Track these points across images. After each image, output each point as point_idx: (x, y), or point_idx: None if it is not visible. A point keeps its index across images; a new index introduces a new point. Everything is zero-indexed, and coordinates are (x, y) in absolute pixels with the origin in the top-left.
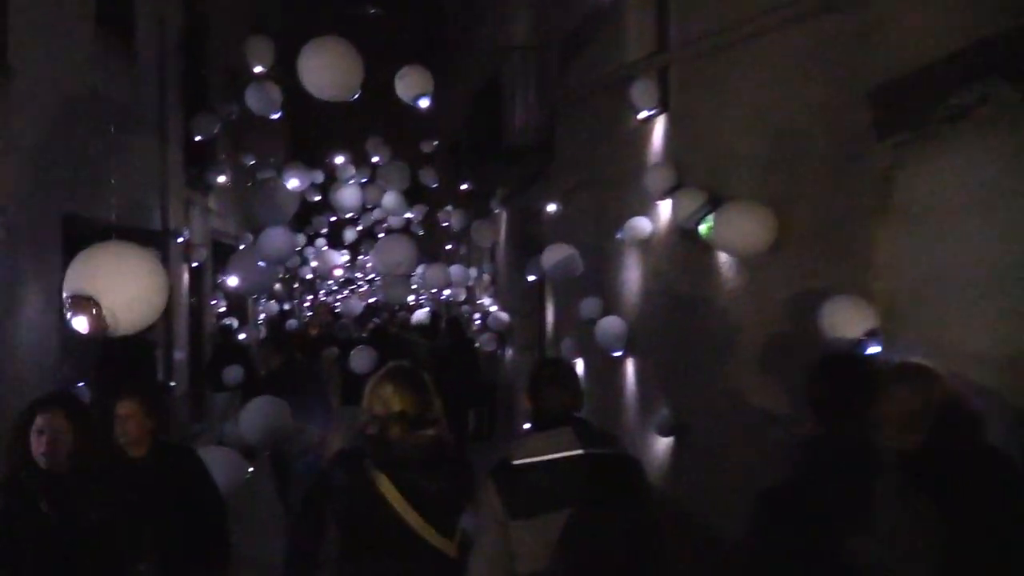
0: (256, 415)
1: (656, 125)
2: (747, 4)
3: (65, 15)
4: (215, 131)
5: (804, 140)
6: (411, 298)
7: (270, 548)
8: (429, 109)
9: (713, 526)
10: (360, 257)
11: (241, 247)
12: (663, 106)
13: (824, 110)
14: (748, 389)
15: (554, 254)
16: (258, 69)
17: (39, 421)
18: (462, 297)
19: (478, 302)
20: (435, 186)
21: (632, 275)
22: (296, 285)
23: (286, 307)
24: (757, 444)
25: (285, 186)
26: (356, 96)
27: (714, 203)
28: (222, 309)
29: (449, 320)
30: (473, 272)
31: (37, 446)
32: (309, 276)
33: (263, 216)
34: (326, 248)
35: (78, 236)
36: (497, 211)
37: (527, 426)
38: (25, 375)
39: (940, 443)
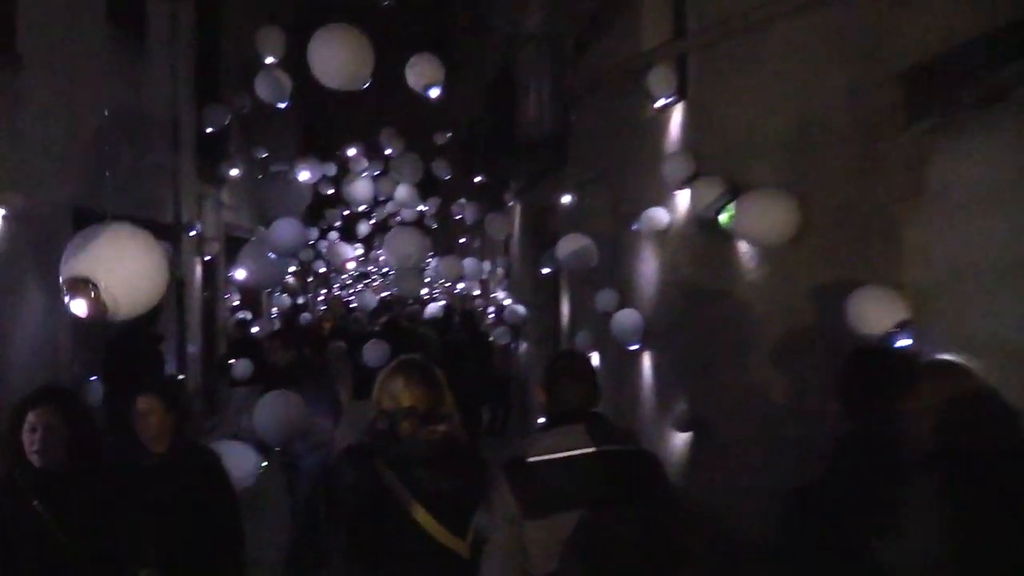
0: (270, 410)
1: (673, 113)
2: None
3: (75, 7)
4: (226, 123)
5: (828, 125)
6: (425, 292)
7: (277, 545)
8: (442, 100)
9: (732, 524)
10: (374, 251)
11: (252, 240)
12: (680, 94)
13: (849, 94)
14: (769, 383)
15: (569, 245)
16: (269, 60)
17: (31, 418)
18: (476, 291)
19: (492, 295)
20: (448, 179)
21: (648, 267)
22: (310, 279)
23: (300, 301)
24: (779, 440)
25: (297, 179)
26: (367, 85)
27: (733, 192)
28: (236, 303)
29: (463, 314)
30: (487, 265)
31: (29, 444)
32: (323, 270)
33: (274, 208)
34: (338, 241)
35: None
36: (511, 204)
37: (541, 420)
38: (37, 370)
39: (974, 441)
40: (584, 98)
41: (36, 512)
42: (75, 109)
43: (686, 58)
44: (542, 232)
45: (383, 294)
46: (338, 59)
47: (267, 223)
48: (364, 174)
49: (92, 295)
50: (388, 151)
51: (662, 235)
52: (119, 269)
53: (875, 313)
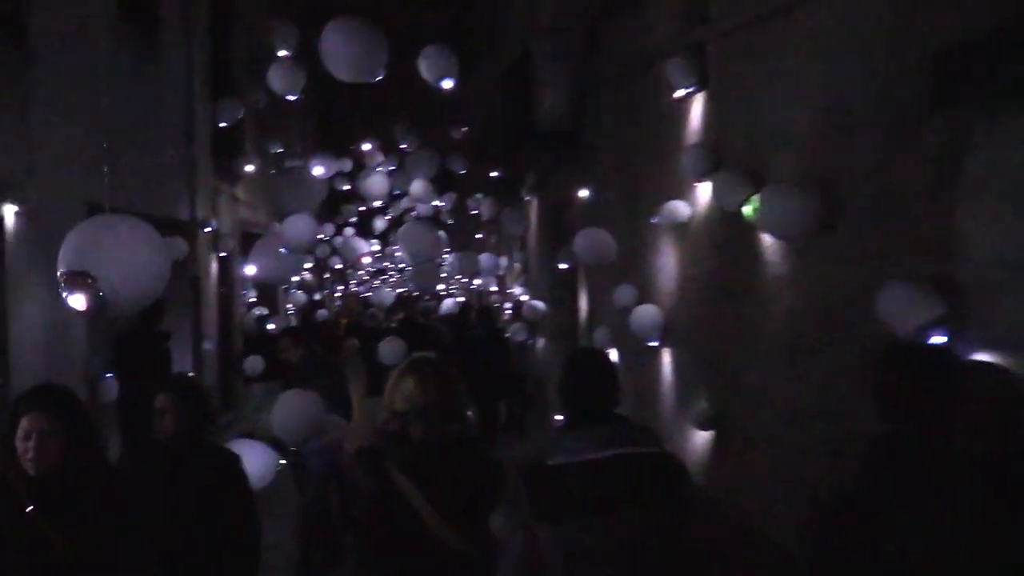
0: (287, 409)
1: (693, 104)
2: None
3: (86, 3)
4: (239, 117)
5: (857, 113)
6: (442, 287)
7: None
8: (457, 93)
9: (756, 524)
10: (390, 246)
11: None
12: (701, 83)
13: (878, 81)
14: (795, 381)
15: (586, 239)
16: (282, 53)
17: (24, 424)
18: (493, 286)
19: (509, 291)
20: (464, 173)
21: (668, 261)
22: (327, 275)
23: (316, 297)
24: (806, 439)
25: (311, 174)
26: (380, 78)
27: (757, 183)
28: (252, 299)
29: (480, 309)
30: (504, 261)
31: (23, 451)
32: (339, 266)
33: (288, 204)
34: (353, 237)
35: None
36: (527, 198)
37: (559, 417)
38: (51, 366)
39: (1018, 445)
40: (601, 89)
41: (31, 518)
42: (88, 105)
43: (706, 47)
44: (559, 226)
45: (400, 290)
46: (350, 51)
47: (282, 219)
48: (379, 169)
49: (90, 288)
50: (403, 146)
51: (682, 229)
52: (117, 261)
53: (908, 309)
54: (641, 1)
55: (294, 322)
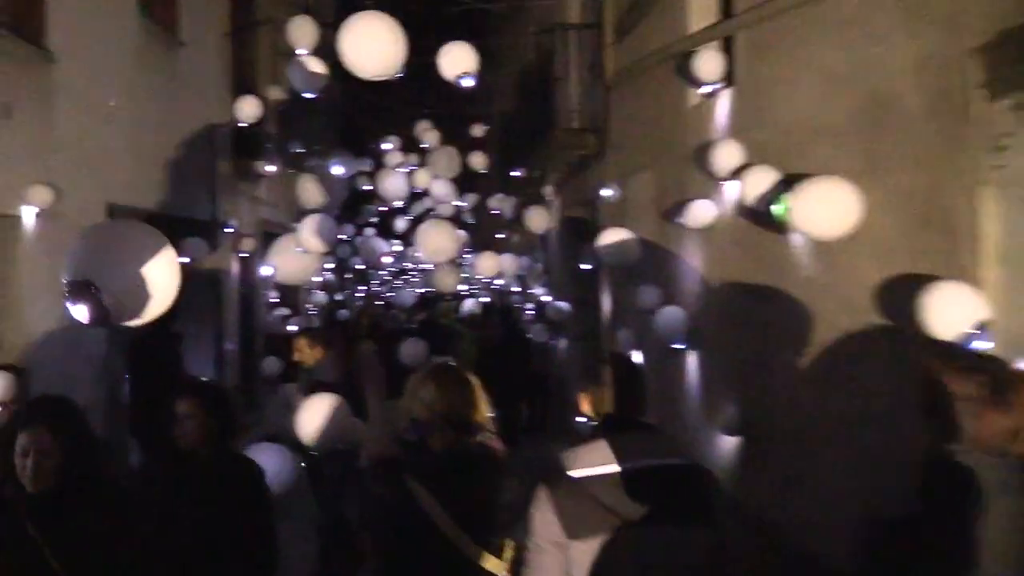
0: (312, 415)
1: (720, 100)
2: None
3: (106, 1)
4: (259, 116)
5: (898, 105)
6: (464, 288)
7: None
8: (478, 91)
9: (790, 537)
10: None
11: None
12: (728, 79)
13: (921, 70)
14: (829, 387)
15: (609, 239)
16: (301, 51)
17: (22, 440)
18: (514, 287)
19: (530, 291)
20: (485, 172)
21: (694, 262)
22: (349, 275)
23: (338, 297)
24: (841, 447)
25: (330, 173)
26: (399, 75)
27: (788, 181)
28: (274, 299)
29: (501, 310)
30: (525, 261)
31: (21, 469)
32: (361, 266)
33: (308, 204)
34: (373, 237)
35: None
36: (550, 197)
37: (580, 419)
38: (75, 369)
39: None
40: (625, 86)
41: (29, 536)
42: (108, 104)
43: (733, 40)
44: (582, 226)
45: (421, 290)
46: (370, 48)
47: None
48: (399, 169)
49: (94, 299)
50: (424, 145)
51: (709, 228)
52: (123, 271)
53: (951, 312)
54: None
55: (315, 323)
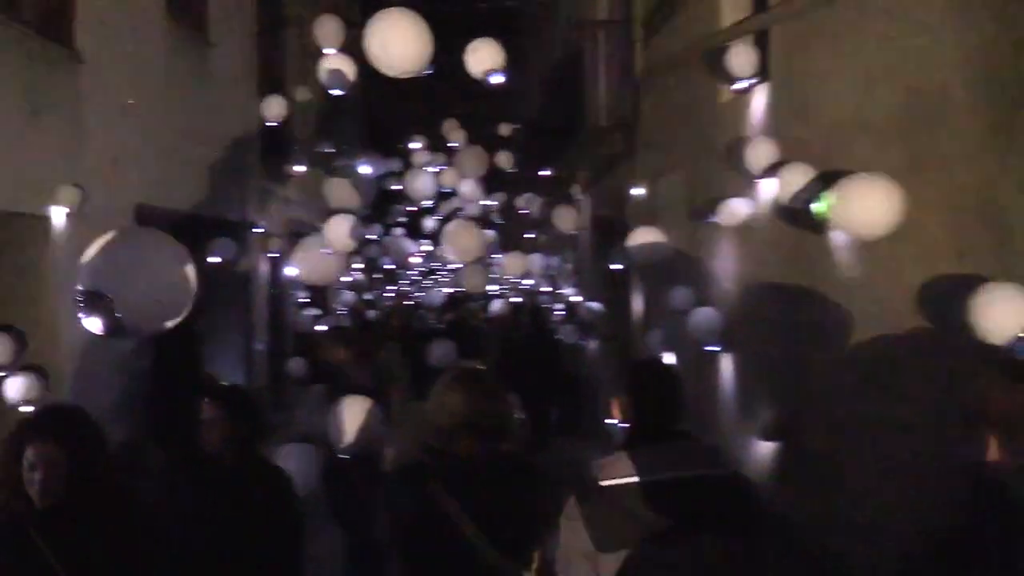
0: (345, 418)
1: (754, 96)
2: None
3: (134, 2)
4: (286, 115)
5: (947, 98)
6: (494, 288)
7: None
8: (506, 89)
9: (830, 546)
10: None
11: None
12: (762, 74)
13: (972, 61)
14: (871, 393)
15: (641, 239)
16: (328, 51)
17: (30, 453)
18: (543, 287)
19: (559, 291)
20: (513, 171)
21: (728, 262)
22: (378, 275)
23: (367, 297)
24: (882, 456)
25: (358, 173)
26: (426, 72)
27: (828, 178)
28: (303, 299)
29: (531, 311)
30: (554, 261)
31: (29, 482)
32: (390, 266)
33: (336, 204)
34: (401, 237)
35: (151, 226)
36: (579, 196)
37: (611, 421)
38: (104, 371)
39: None
40: (655, 83)
41: (39, 550)
42: (136, 105)
43: (767, 34)
44: (612, 225)
45: (450, 290)
46: (396, 45)
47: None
48: (427, 168)
49: (107, 310)
50: (452, 144)
51: (743, 228)
52: (136, 282)
53: (1000, 315)
54: None
55: (344, 322)
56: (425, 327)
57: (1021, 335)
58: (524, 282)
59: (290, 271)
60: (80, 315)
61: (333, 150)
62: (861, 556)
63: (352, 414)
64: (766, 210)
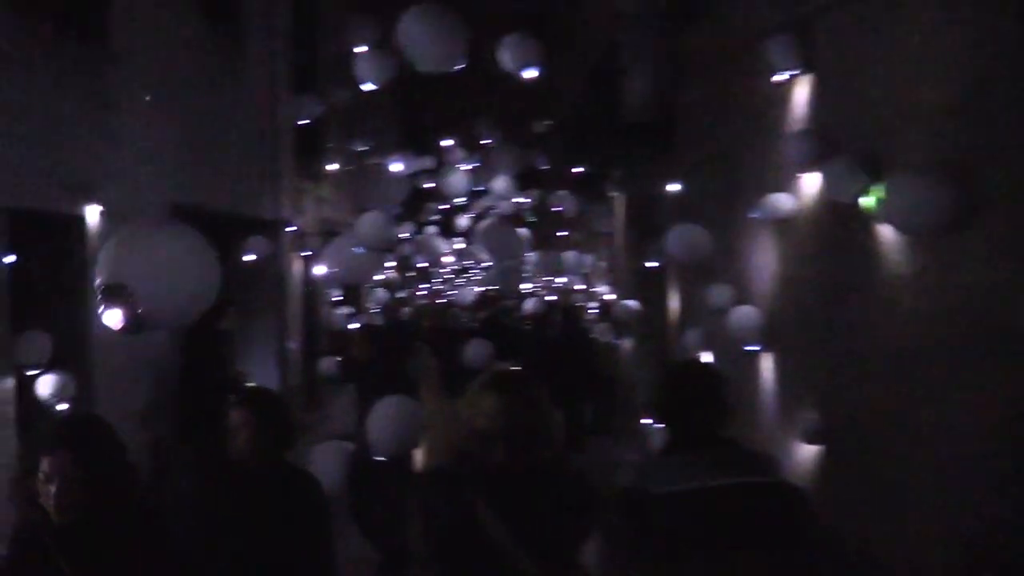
0: (384, 418)
1: (797, 88)
2: None
3: (167, 1)
4: (319, 114)
5: (1006, 86)
6: (529, 287)
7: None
8: (541, 85)
9: (876, 554)
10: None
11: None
12: (806, 64)
13: None
14: (922, 393)
15: (678, 235)
16: (360, 49)
17: (45, 466)
18: (578, 285)
19: (593, 290)
20: (548, 169)
21: (769, 259)
22: (411, 274)
23: (400, 295)
24: (933, 463)
25: (389, 170)
26: (459, 67)
27: (875, 172)
28: (337, 298)
29: (565, 310)
30: (589, 259)
31: (45, 497)
32: (423, 264)
33: (368, 201)
34: (433, 235)
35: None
36: (614, 194)
37: (646, 421)
38: (138, 371)
39: None
40: (693, 76)
41: (60, 569)
42: (170, 104)
43: (811, 23)
44: (648, 222)
45: (483, 289)
46: (429, 40)
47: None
48: (461, 166)
49: (128, 303)
50: (485, 141)
51: (785, 223)
52: (158, 274)
53: None
54: None
55: (377, 321)
56: (458, 326)
57: None
58: (558, 280)
59: (318, 270)
60: (100, 308)
61: (366, 148)
62: (908, 566)
63: (390, 415)
64: (811, 204)
